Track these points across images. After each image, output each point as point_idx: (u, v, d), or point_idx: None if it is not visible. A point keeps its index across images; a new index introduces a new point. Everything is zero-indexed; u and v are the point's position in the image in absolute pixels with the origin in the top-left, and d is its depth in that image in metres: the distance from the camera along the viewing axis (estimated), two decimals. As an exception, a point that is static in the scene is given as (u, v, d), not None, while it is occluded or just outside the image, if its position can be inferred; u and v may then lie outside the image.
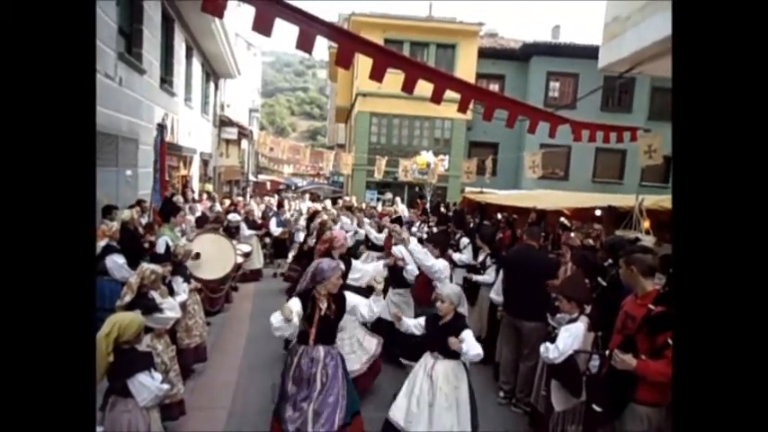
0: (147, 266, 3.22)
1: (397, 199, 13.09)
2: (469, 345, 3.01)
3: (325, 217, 6.94)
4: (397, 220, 6.51)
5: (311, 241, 6.29)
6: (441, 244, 4.80)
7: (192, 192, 10.62)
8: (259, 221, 9.24)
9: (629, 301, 2.67)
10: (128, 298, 3.00)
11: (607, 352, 2.65)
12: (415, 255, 4.33)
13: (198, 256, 4.92)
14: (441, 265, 4.37)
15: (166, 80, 9.42)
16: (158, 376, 2.64)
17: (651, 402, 2.44)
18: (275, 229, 9.22)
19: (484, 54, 17.19)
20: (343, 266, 3.44)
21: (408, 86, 3.63)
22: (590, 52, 12.54)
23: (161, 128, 7.85)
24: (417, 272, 4.58)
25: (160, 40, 8.82)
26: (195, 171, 12.72)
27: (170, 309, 3.43)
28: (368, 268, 4.43)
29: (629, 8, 5.43)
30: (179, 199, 8.35)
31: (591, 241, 5.58)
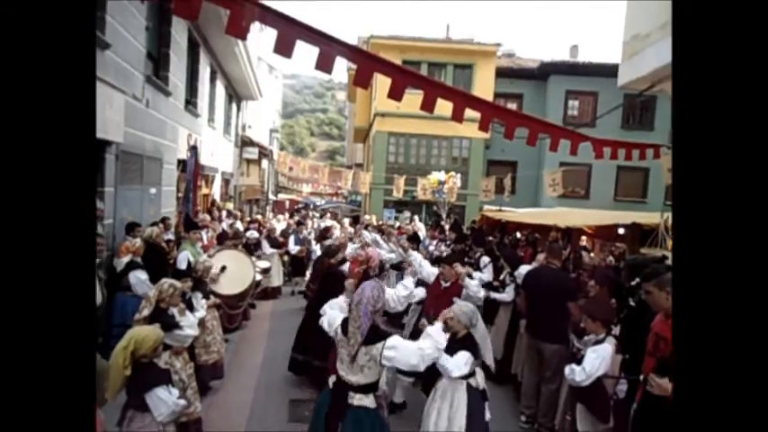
0: (165, 280, 3.25)
1: (415, 217, 13.07)
2: (450, 364, 2.93)
3: (330, 222, 6.95)
4: (414, 237, 6.48)
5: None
6: (459, 260, 4.76)
7: (219, 210, 10.83)
8: (280, 239, 9.34)
9: (660, 321, 2.56)
10: (146, 311, 3.03)
11: (641, 377, 2.52)
12: (470, 289, 4.40)
13: (224, 269, 4.98)
14: (483, 294, 4.48)
15: (191, 102, 9.72)
16: (176, 392, 2.64)
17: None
18: (293, 248, 9.29)
19: (502, 74, 17.27)
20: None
21: (428, 105, 3.64)
22: (609, 71, 12.49)
23: (194, 149, 8.12)
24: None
25: (186, 63, 9.14)
26: (217, 190, 12.97)
27: (189, 326, 3.45)
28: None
29: (649, 26, 5.40)
30: (205, 217, 8.55)
31: (613, 260, 5.43)
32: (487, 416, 3.05)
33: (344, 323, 2.65)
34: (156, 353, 2.57)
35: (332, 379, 2.72)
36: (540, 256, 4.96)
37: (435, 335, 2.72)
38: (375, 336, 2.54)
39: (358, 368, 2.54)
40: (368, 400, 2.57)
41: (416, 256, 5.09)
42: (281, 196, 28.96)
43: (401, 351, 2.50)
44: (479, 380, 3.17)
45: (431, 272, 4.85)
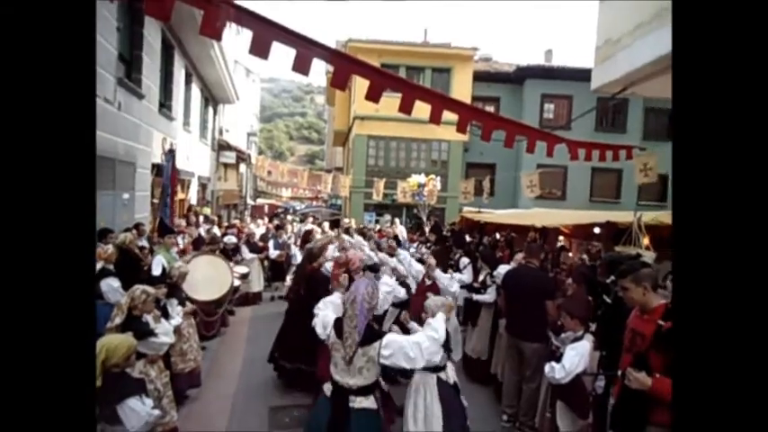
0: (137, 287, 3.15)
1: (396, 220, 13.08)
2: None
3: (311, 226, 6.90)
4: (395, 239, 6.49)
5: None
6: (442, 262, 4.82)
7: (196, 216, 10.61)
8: (260, 244, 9.19)
9: (635, 317, 2.60)
10: (118, 319, 2.93)
11: (619, 372, 2.56)
12: (441, 281, 4.49)
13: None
14: (457, 288, 4.55)
15: (165, 105, 9.51)
16: (149, 402, 2.55)
17: (669, 424, 2.34)
18: (273, 252, 9.17)
19: (479, 77, 17.50)
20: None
21: (406, 107, 3.64)
22: (583, 75, 12.77)
23: (171, 153, 7.93)
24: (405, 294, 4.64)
25: (160, 66, 8.94)
26: (193, 195, 12.72)
27: (164, 333, 3.35)
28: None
29: (620, 31, 5.56)
30: (181, 222, 8.35)
31: (587, 258, 5.54)
32: (465, 403, 3.05)
33: (338, 325, 2.58)
34: (128, 362, 2.48)
35: (327, 386, 2.62)
36: (519, 256, 5.02)
37: (435, 325, 2.67)
38: (371, 335, 2.48)
39: (356, 370, 2.47)
40: (369, 402, 2.51)
41: (405, 255, 5.12)
42: (260, 201, 28.61)
43: (398, 347, 2.45)
44: (450, 373, 3.17)
45: (419, 270, 4.92)
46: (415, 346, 2.47)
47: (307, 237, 8.40)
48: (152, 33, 8.15)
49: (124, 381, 2.45)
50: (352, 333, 2.47)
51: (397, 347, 2.45)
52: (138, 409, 2.37)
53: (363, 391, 2.50)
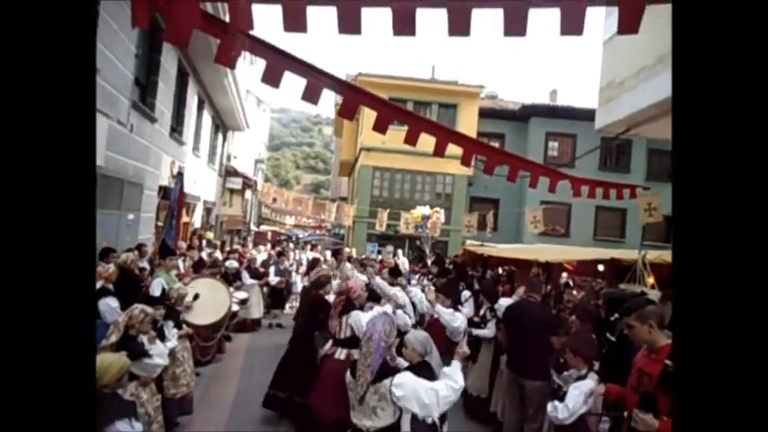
0: (136, 306, 3.13)
1: (399, 251, 13.04)
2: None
3: (318, 255, 6.89)
4: (395, 270, 6.44)
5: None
6: (451, 295, 4.76)
7: (200, 239, 10.64)
8: (261, 270, 9.16)
9: (642, 356, 2.54)
10: (114, 338, 2.89)
11: (625, 413, 2.47)
12: (443, 316, 4.42)
13: (197, 297, 4.82)
14: (462, 324, 4.43)
15: (176, 129, 9.71)
16: (138, 426, 2.48)
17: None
18: (273, 279, 9.12)
19: (484, 114, 17.84)
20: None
21: (411, 139, 3.70)
22: (587, 114, 13.04)
23: (180, 176, 8.04)
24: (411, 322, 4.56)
25: (174, 91, 9.19)
26: (198, 219, 12.78)
27: (158, 355, 3.30)
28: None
29: (623, 74, 5.71)
30: (181, 245, 8.36)
31: (592, 295, 5.47)
32: None
33: (353, 367, 2.50)
34: (120, 383, 2.43)
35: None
36: (520, 290, 4.97)
37: (452, 374, 2.47)
38: (383, 372, 2.38)
39: (369, 411, 2.36)
40: None
41: (416, 292, 5.07)
42: (264, 228, 28.66)
43: (411, 388, 2.30)
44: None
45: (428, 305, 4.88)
46: (432, 392, 2.33)
47: (313, 265, 8.37)
48: (169, 60, 8.43)
49: (115, 402, 2.39)
50: (365, 372, 2.39)
51: (411, 390, 2.31)
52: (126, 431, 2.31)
53: None
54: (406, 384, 2.34)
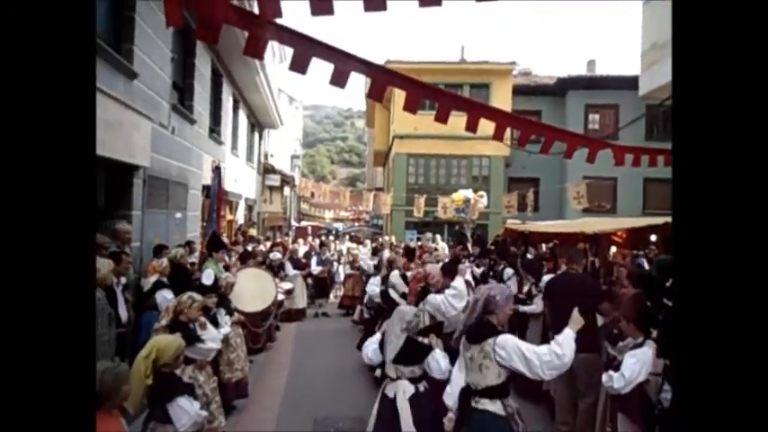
0: (186, 293, 3.28)
1: (437, 237, 12.95)
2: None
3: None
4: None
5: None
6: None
7: (244, 236, 11.02)
8: (303, 261, 9.39)
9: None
10: (164, 321, 3.05)
11: None
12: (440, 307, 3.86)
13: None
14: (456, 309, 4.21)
15: (215, 130, 10.05)
16: (197, 404, 2.61)
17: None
18: (315, 268, 9.32)
19: (518, 91, 17.27)
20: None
21: (442, 116, 3.64)
22: (629, 83, 12.35)
23: (218, 170, 8.29)
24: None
25: (209, 93, 9.50)
26: (241, 216, 13.22)
27: (211, 340, 3.45)
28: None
29: (666, 35, 5.34)
30: (226, 241, 8.69)
31: (645, 262, 5.21)
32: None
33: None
34: (177, 362, 2.57)
35: None
36: (562, 264, 4.82)
37: (562, 341, 2.51)
38: (486, 332, 2.48)
39: (476, 368, 2.46)
40: (494, 406, 2.44)
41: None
42: (304, 223, 29.29)
43: (514, 349, 2.40)
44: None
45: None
46: (534, 354, 2.40)
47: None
48: (203, 63, 8.71)
49: (174, 381, 2.53)
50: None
51: (513, 350, 2.41)
52: (187, 408, 2.44)
53: (487, 392, 2.45)
54: (508, 345, 2.43)
